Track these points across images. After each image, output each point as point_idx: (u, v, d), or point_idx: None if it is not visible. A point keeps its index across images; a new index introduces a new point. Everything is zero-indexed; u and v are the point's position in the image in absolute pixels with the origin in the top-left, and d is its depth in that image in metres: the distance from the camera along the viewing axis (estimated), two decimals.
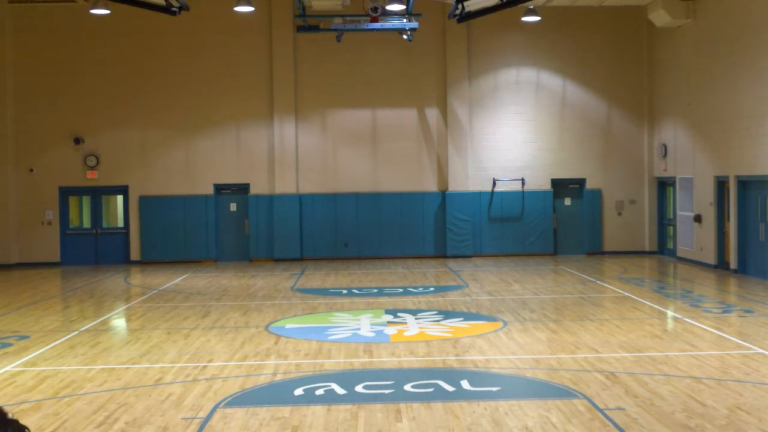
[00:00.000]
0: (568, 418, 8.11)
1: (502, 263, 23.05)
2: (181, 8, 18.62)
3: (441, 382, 9.59)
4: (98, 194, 24.67)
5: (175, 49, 24.35)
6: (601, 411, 8.32)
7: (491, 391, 9.33)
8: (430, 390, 9.28)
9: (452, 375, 9.99)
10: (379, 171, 24.68)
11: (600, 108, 24.89)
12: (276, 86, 24.37)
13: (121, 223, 24.78)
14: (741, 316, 14.03)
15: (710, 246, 20.92)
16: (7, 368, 10.77)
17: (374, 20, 21.59)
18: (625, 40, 24.84)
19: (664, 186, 24.57)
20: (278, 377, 10.03)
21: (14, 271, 22.92)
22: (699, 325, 13.06)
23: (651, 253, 24.75)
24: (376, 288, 18.23)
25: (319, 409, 8.54)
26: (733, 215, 19.74)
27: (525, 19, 23.25)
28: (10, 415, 2.30)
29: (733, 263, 19.80)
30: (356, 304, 15.88)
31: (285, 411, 8.52)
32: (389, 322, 13.72)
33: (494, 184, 24.63)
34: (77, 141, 24.18)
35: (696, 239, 21.80)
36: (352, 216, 24.53)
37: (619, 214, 24.95)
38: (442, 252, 24.56)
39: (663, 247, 24.59)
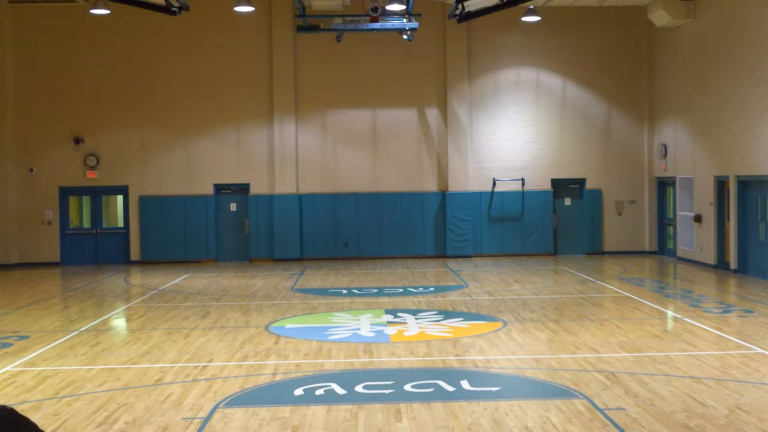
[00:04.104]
0: (568, 418, 8.11)
1: (502, 263, 23.05)
2: (181, 8, 18.61)
3: (441, 382, 9.58)
4: (98, 194, 24.67)
5: (175, 49, 24.34)
6: (601, 411, 8.32)
7: (491, 391, 9.33)
8: (430, 390, 9.28)
9: (452, 375, 9.99)
10: (379, 171, 24.68)
11: (600, 108, 24.89)
12: (276, 86, 24.37)
13: (121, 223, 24.77)
14: (741, 316, 14.02)
15: (710, 246, 20.92)
16: (7, 368, 10.77)
17: (374, 20, 21.59)
18: (625, 40, 24.83)
19: (664, 186, 24.57)
20: (278, 377, 10.03)
21: (14, 271, 22.91)
22: (699, 325, 13.06)
23: (651, 253, 24.74)
24: (376, 288, 18.23)
25: (319, 409, 8.54)
26: (733, 215, 19.74)
27: (525, 19, 23.25)
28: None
29: (733, 263, 19.80)
30: (356, 304, 15.87)
31: (285, 411, 8.52)
32: (389, 322, 13.72)
33: (494, 184, 24.63)
34: (77, 141, 24.18)
35: (696, 239, 21.80)
36: (352, 216, 24.52)
37: (619, 214, 24.95)
38: (442, 252, 24.55)
39: (663, 247, 24.58)
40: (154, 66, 24.36)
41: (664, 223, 24.66)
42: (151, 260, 24.13)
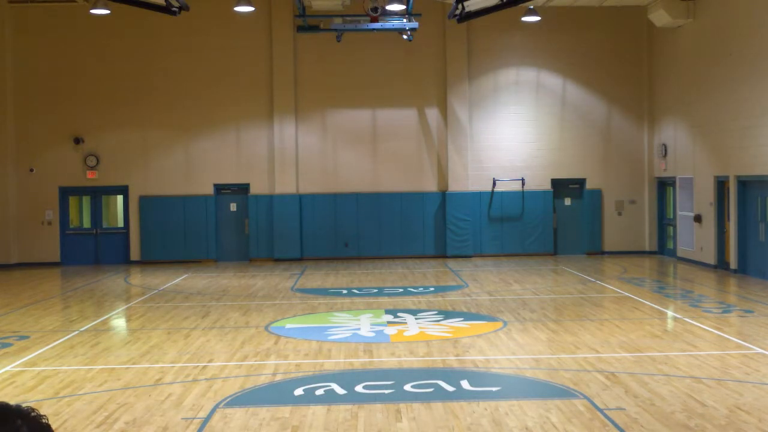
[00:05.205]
0: (568, 418, 8.11)
1: (502, 263, 23.04)
2: (181, 8, 18.61)
3: (441, 382, 9.58)
4: (98, 194, 24.67)
5: (175, 49, 24.33)
6: (601, 411, 8.32)
7: (491, 391, 9.33)
8: (430, 390, 9.28)
9: (452, 375, 9.99)
10: (379, 171, 24.68)
11: (600, 108, 24.89)
12: (276, 86, 24.36)
13: (121, 223, 24.77)
14: (741, 316, 14.02)
15: (710, 246, 20.91)
16: (7, 368, 10.77)
17: (374, 20, 21.58)
18: (625, 40, 24.83)
19: (664, 186, 24.57)
20: (278, 377, 10.03)
21: (14, 271, 22.91)
22: (699, 325, 13.06)
23: (651, 253, 24.74)
24: (376, 288, 18.23)
25: (319, 409, 8.54)
26: (733, 215, 19.74)
27: (525, 19, 23.25)
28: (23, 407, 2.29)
29: (733, 263, 19.80)
30: (356, 304, 15.87)
31: (285, 411, 8.52)
32: (389, 322, 13.72)
33: (494, 184, 24.63)
34: (77, 141, 24.18)
35: (696, 239, 21.80)
36: (352, 216, 24.52)
37: (619, 214, 24.95)
38: (442, 252, 24.55)
39: (663, 247, 24.58)
40: (154, 66, 24.35)
41: (664, 223, 24.65)
42: (151, 260, 24.12)
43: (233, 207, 24.70)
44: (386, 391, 9.26)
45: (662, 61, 23.86)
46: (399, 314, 14.54)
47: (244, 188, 24.58)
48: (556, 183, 24.90)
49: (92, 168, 24.27)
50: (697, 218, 21.55)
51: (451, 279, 19.88)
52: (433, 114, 24.73)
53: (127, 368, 10.68)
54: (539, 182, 24.78)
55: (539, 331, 12.68)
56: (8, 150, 24.00)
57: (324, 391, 9.32)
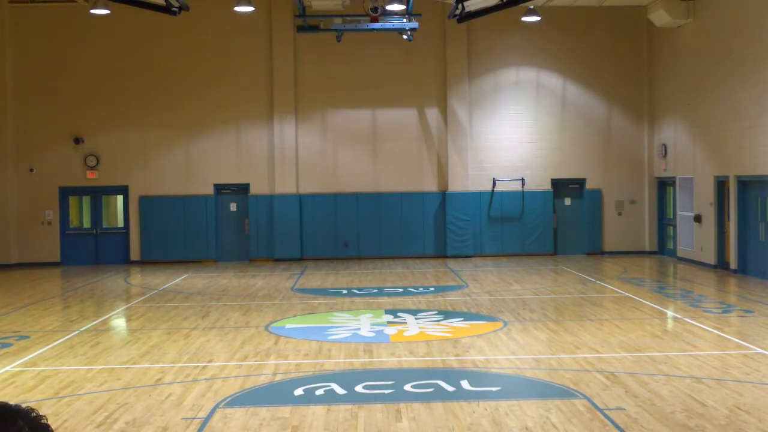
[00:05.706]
0: (568, 418, 8.11)
1: (502, 263, 23.04)
2: (181, 8, 18.60)
3: (441, 382, 9.58)
4: (98, 194, 24.67)
5: (175, 49, 24.34)
6: (601, 411, 8.32)
7: (491, 391, 9.33)
8: (430, 390, 9.28)
9: (452, 375, 9.99)
10: (379, 171, 24.67)
11: (600, 108, 24.89)
12: (276, 86, 24.36)
13: (121, 223, 24.77)
14: (741, 316, 14.03)
15: (710, 246, 20.91)
16: (7, 368, 10.77)
17: (374, 20, 21.59)
18: (625, 40, 24.83)
19: (664, 186, 24.57)
20: (278, 377, 10.03)
21: (14, 271, 22.91)
22: (699, 325, 13.06)
23: (651, 253, 24.74)
24: (376, 288, 18.23)
25: (319, 409, 8.54)
26: (733, 215, 19.74)
27: (525, 19, 23.24)
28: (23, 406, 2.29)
29: (733, 263, 19.79)
30: (356, 304, 15.87)
31: (285, 411, 8.52)
32: (389, 322, 13.72)
33: (494, 184, 24.63)
34: (77, 141, 24.17)
35: (696, 239, 21.80)
36: (352, 216, 24.51)
37: (619, 214, 24.95)
38: (442, 252, 24.54)
39: (663, 247, 24.58)
40: (154, 66, 24.35)
41: (664, 223, 24.65)
42: (151, 260, 24.12)
43: (233, 207, 24.70)
44: (386, 391, 9.26)
45: (662, 61, 23.86)
46: (399, 314, 14.54)
47: (244, 188, 24.58)
48: (556, 183, 24.89)
49: (92, 168, 24.26)
50: (697, 218, 21.55)
51: (451, 279, 19.88)
52: (433, 114, 24.73)
53: (127, 368, 10.68)
54: (539, 182, 24.78)
55: (539, 331, 12.68)
56: (8, 150, 24.00)
57: (324, 391, 9.32)
